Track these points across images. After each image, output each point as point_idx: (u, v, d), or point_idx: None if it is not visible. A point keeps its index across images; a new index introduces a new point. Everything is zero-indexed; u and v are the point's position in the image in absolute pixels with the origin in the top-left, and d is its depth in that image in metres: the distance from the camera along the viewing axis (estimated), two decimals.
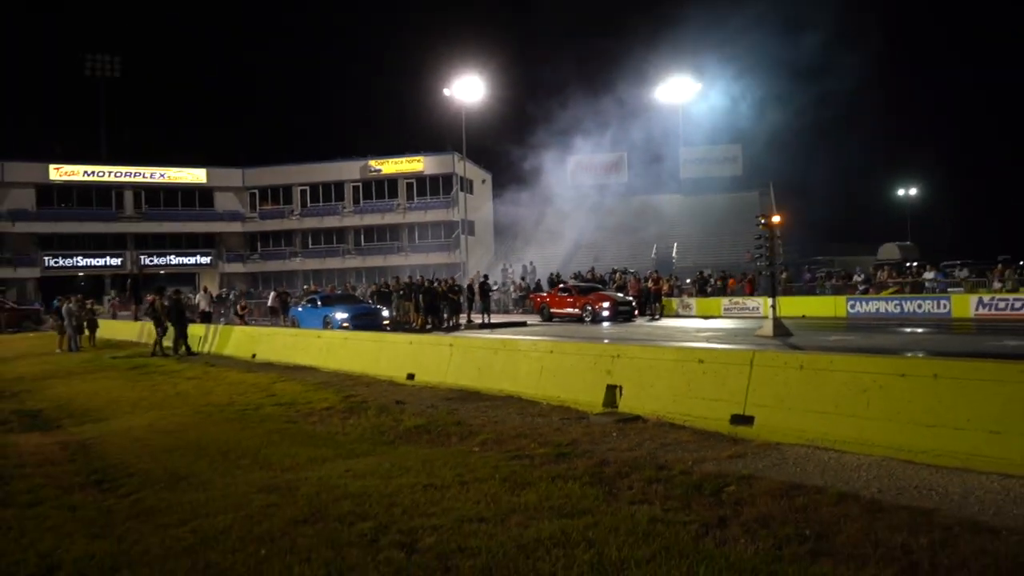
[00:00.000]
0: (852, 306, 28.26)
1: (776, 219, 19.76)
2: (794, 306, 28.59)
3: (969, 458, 6.29)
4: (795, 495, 5.80)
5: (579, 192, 58.96)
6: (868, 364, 7.19)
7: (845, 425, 7.13)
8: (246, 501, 6.23)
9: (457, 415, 10.00)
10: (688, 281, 37.42)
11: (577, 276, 38.25)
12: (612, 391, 9.59)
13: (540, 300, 31.01)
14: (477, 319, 28.97)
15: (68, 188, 56.41)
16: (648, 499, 5.84)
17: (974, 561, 4.56)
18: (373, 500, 6.07)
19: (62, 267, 54.72)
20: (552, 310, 29.69)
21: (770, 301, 19.99)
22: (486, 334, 21.75)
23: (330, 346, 16.99)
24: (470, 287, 30.06)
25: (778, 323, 19.21)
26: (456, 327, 27.54)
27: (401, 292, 29.41)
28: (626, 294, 31.36)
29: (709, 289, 35.37)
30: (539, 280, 41.34)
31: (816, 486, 6.04)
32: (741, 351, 8.52)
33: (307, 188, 59.51)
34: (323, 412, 10.88)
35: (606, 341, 18.32)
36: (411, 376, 13.44)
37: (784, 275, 33.41)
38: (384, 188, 58.05)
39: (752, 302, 30.97)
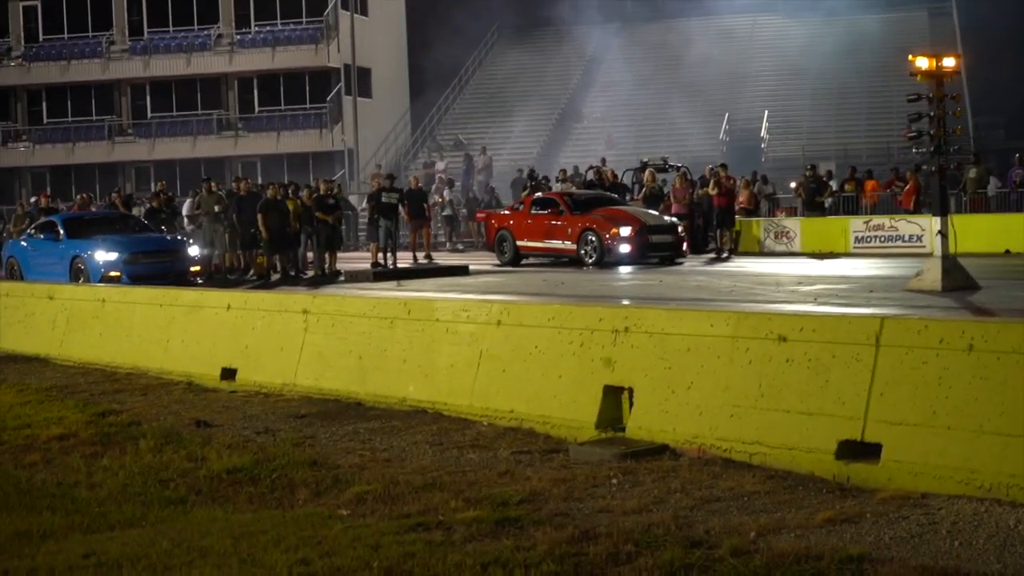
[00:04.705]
0: None
1: (950, 63, 19.80)
2: (989, 233, 28.97)
3: None
4: None
5: (575, 8, 58.55)
6: None
7: None
8: None
9: (313, 448, 10.06)
10: (793, 186, 37.54)
11: (571, 176, 38.24)
12: (614, 398, 9.75)
13: (497, 223, 31.17)
14: (366, 261, 29.03)
15: None
16: None
17: None
18: None
19: None
20: (520, 243, 29.82)
21: (937, 224, 20.13)
22: (382, 291, 21.73)
23: (74, 315, 17.10)
24: (376, 196, 29.66)
25: (952, 266, 19.40)
26: (330, 277, 27.61)
27: (220, 209, 29.21)
28: (665, 211, 31.46)
29: (827, 201, 35.56)
30: (494, 189, 41.30)
31: (985, 575, 6.19)
32: (858, 318, 8.62)
33: (37, 4, 58.65)
34: (53, 444, 10.93)
35: (625, 302, 18.40)
36: (230, 373, 13.64)
37: (971, 174, 33.72)
38: (192, 3, 57.34)
39: (910, 225, 31.19)
